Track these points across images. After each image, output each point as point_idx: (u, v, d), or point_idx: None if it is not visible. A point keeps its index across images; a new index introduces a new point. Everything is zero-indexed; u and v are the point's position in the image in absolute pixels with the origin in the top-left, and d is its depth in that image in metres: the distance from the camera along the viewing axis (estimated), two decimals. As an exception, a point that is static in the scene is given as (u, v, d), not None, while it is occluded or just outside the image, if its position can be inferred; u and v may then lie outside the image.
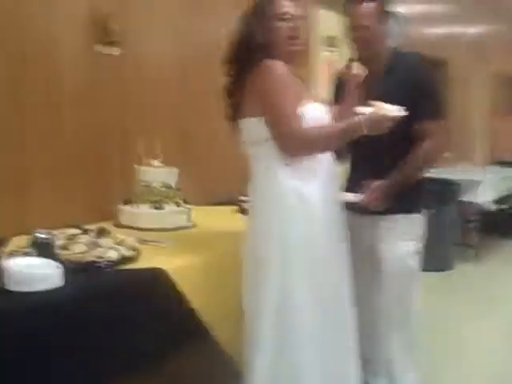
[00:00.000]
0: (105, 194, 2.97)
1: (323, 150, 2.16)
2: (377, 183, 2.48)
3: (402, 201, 2.52)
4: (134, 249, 2.20)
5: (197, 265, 2.24)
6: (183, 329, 2.15)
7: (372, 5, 2.47)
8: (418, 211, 2.66)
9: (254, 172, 2.18)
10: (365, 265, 2.69)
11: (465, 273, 5.59)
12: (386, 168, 2.51)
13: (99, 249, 2.09)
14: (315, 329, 2.06)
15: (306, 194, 2.09)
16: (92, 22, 2.91)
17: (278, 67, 2.06)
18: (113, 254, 2.08)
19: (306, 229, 2.08)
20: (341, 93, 2.50)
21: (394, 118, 2.07)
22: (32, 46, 2.66)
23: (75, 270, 1.94)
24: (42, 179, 2.72)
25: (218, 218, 3.09)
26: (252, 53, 2.08)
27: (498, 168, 7.39)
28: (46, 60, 2.73)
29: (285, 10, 2.14)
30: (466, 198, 5.79)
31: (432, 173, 6.13)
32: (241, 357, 2.18)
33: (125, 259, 2.11)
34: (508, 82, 9.50)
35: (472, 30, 8.20)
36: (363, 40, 2.51)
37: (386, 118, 2.07)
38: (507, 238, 6.90)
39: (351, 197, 2.45)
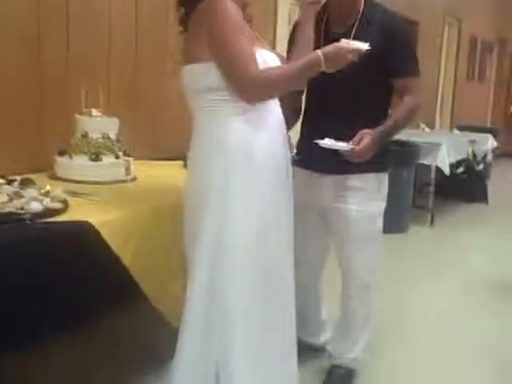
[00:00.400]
0: (42, 145, 2.81)
1: (284, 90, 2.03)
2: (366, 131, 2.27)
3: (374, 159, 2.36)
4: (60, 201, 2.07)
5: (128, 218, 2.11)
6: (113, 287, 2.05)
7: None
8: (387, 170, 2.57)
9: (198, 123, 2.01)
10: (318, 227, 2.64)
11: (418, 235, 5.60)
12: (349, 123, 2.34)
13: (21, 200, 1.95)
14: (248, 287, 1.96)
15: (256, 148, 1.95)
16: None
17: (228, 3, 1.86)
18: (36, 206, 1.94)
19: (249, 183, 1.95)
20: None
21: (355, 51, 1.92)
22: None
23: (-7, 222, 1.81)
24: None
25: (161, 172, 2.96)
26: None
27: (457, 132, 7.42)
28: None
29: None
30: (424, 160, 5.76)
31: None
32: (173, 315, 2.09)
33: (49, 211, 1.97)
34: (477, 46, 9.51)
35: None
36: None
37: (346, 50, 1.91)
38: (463, 201, 6.95)
39: (341, 145, 2.23)
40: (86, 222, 1.94)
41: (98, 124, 2.68)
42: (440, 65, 8.22)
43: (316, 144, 2.25)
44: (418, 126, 7.23)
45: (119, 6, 3.17)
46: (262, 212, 1.97)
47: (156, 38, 3.42)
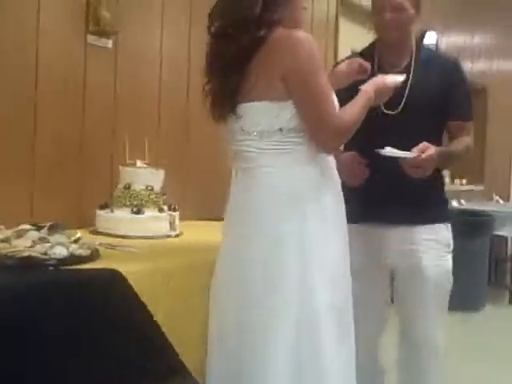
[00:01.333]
0: (85, 199, 2.67)
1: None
2: (426, 143, 2.10)
3: (439, 208, 2.32)
4: (90, 249, 1.88)
5: (161, 270, 1.89)
6: (142, 343, 1.80)
7: None
8: (450, 220, 2.36)
9: (258, 170, 1.77)
10: (380, 286, 2.40)
11: (496, 315, 5.11)
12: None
13: (46, 244, 1.77)
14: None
15: (327, 200, 1.81)
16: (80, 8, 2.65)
17: (312, 41, 1.71)
18: (60, 251, 1.75)
19: (323, 235, 1.78)
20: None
21: (393, 83, 2.00)
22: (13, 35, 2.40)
23: (11, 267, 1.63)
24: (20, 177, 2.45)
25: (209, 230, 2.75)
26: (263, 17, 1.68)
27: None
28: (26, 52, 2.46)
29: None
30: (500, 231, 5.38)
31: (463, 204, 5.86)
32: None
33: (75, 258, 1.78)
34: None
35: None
36: (397, 21, 2.23)
37: (388, 83, 1.97)
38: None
39: (405, 153, 2.06)
40: (113, 270, 1.74)
41: (142, 175, 2.53)
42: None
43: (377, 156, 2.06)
44: (491, 198, 6.85)
45: (171, 59, 3.09)
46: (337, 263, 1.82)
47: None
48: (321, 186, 1.78)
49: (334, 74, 2.12)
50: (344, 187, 2.39)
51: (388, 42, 2.30)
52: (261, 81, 1.71)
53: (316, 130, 1.72)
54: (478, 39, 6.69)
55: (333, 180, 1.84)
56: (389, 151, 2.05)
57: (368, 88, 1.88)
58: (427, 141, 2.14)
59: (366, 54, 2.36)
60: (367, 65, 2.14)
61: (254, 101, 1.72)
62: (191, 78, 3.14)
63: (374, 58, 2.33)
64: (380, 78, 1.98)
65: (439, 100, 2.26)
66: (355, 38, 4.18)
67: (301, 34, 1.70)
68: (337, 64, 2.43)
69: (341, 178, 1.91)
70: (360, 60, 2.16)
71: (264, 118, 1.72)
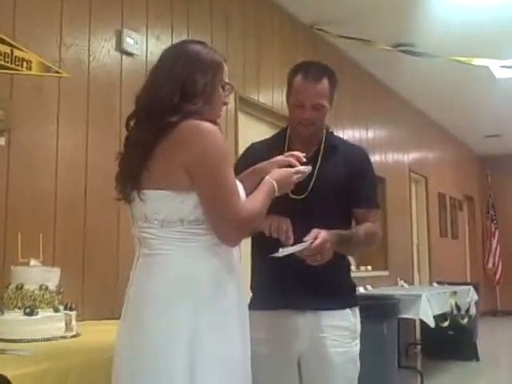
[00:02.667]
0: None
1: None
2: (317, 230, 2.08)
3: (345, 294, 2.30)
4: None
5: (52, 373, 1.78)
6: None
7: (326, 82, 2.30)
8: (357, 305, 2.35)
9: (157, 256, 1.72)
10: (290, 377, 2.29)
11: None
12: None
13: None
14: None
15: (227, 291, 1.75)
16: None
17: (219, 134, 1.71)
18: None
19: (219, 327, 1.70)
20: (249, 163, 2.19)
21: (299, 172, 1.98)
22: None
23: None
24: None
25: (109, 328, 2.63)
26: (181, 107, 1.70)
27: (436, 286, 7.24)
28: None
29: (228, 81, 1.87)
30: (406, 314, 5.49)
31: (369, 290, 5.97)
32: None
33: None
34: (446, 204, 9.65)
35: (412, 154, 8.37)
36: (315, 118, 2.29)
37: (292, 173, 1.95)
38: (452, 359, 6.53)
39: (298, 246, 2.03)
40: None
41: (35, 274, 2.41)
42: (412, 222, 8.23)
43: (274, 258, 2.01)
44: (396, 283, 7.04)
45: (68, 156, 3.05)
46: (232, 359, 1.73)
47: (107, 183, 3.25)
48: (220, 276, 1.74)
49: (255, 171, 2.07)
50: (253, 275, 2.42)
51: (301, 135, 2.34)
52: (165, 169, 1.69)
53: (220, 223, 1.70)
54: (371, 133, 7.10)
55: (234, 270, 1.80)
56: (282, 251, 2.03)
57: (272, 178, 1.88)
58: (334, 226, 2.16)
59: (278, 140, 2.41)
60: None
61: (157, 189, 1.70)
62: (89, 174, 3.11)
63: (284, 145, 2.36)
64: (284, 170, 1.97)
65: (345, 187, 2.29)
66: (254, 131, 4.33)
67: (209, 126, 1.69)
68: (243, 155, 2.46)
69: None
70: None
71: (166, 207, 1.70)
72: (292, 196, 2.20)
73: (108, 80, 3.32)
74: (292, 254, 2.04)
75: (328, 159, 2.31)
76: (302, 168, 2.00)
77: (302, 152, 2.26)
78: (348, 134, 6.44)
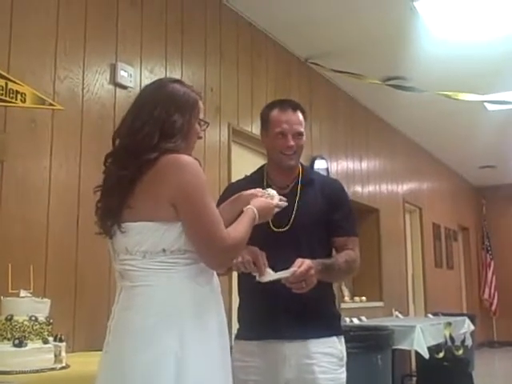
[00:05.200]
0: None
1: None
2: (301, 259, 2.15)
3: (331, 321, 2.39)
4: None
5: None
6: None
7: (300, 113, 2.44)
8: (342, 334, 2.42)
9: (138, 289, 1.74)
10: None
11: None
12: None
13: None
14: None
15: (209, 317, 1.78)
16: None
17: (197, 167, 1.76)
18: None
19: (204, 353, 1.73)
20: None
21: (278, 205, 2.09)
22: None
23: None
24: None
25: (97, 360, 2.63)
26: (159, 146, 1.75)
27: (431, 317, 7.21)
28: None
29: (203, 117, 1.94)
30: (400, 345, 5.47)
31: (363, 321, 5.95)
32: None
33: None
34: (441, 234, 9.67)
35: (407, 185, 8.41)
36: (297, 147, 2.40)
37: (272, 205, 2.05)
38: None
39: (283, 272, 2.10)
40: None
41: (25, 305, 2.41)
42: (406, 252, 8.23)
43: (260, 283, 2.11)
44: (391, 314, 7.02)
45: (60, 187, 3.08)
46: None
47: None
48: (203, 305, 1.77)
49: (239, 199, 2.11)
50: (240, 307, 2.45)
51: (288, 166, 2.42)
52: (148, 203, 1.73)
53: (207, 250, 1.74)
54: (365, 165, 7.15)
55: (215, 298, 1.83)
56: (267, 277, 2.10)
57: (253, 206, 1.95)
58: (316, 255, 2.23)
59: (256, 177, 2.50)
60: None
61: (138, 220, 1.74)
62: (81, 205, 3.12)
63: (263, 180, 2.45)
64: (266, 200, 2.05)
65: (324, 218, 2.38)
66: (247, 162, 4.37)
67: (187, 159, 1.75)
68: (222, 195, 2.49)
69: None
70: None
71: (149, 238, 1.73)
72: (275, 229, 2.31)
73: (102, 112, 3.36)
74: (278, 280, 2.10)
75: (306, 192, 2.42)
76: (280, 203, 2.11)
77: (281, 187, 2.40)
78: (342, 165, 6.49)
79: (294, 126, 2.38)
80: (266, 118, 2.44)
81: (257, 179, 2.46)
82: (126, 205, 1.75)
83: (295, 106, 2.44)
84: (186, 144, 1.82)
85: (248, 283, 2.39)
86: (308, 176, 2.48)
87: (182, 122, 1.81)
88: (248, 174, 2.64)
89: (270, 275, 2.10)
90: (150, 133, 1.76)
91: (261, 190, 2.12)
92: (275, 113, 2.41)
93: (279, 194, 2.31)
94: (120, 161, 1.79)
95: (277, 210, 2.09)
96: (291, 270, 2.10)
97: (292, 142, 2.37)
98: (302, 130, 2.42)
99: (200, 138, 1.93)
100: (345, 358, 2.36)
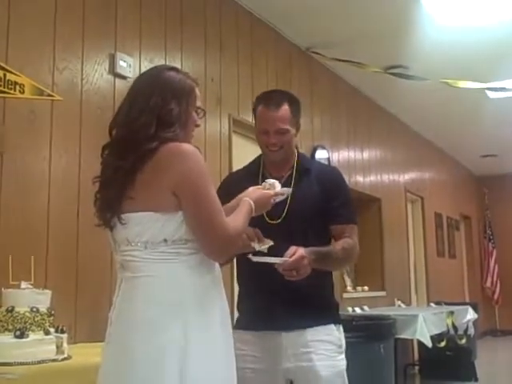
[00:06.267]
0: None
1: None
2: (294, 247, 2.15)
3: (328, 310, 2.37)
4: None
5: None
6: None
7: (287, 108, 2.39)
8: (341, 322, 2.42)
9: (140, 280, 1.73)
10: None
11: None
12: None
13: None
14: None
15: (213, 305, 1.78)
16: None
17: (199, 155, 1.75)
18: None
19: (208, 344, 1.73)
20: (229, 190, 2.22)
21: (277, 194, 2.06)
22: None
23: None
24: None
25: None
26: (158, 135, 1.73)
27: (433, 306, 7.21)
28: None
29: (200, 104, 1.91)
30: (403, 335, 5.47)
31: (366, 310, 5.95)
32: None
33: None
34: (443, 223, 9.66)
35: (408, 175, 8.39)
36: (280, 143, 2.38)
37: (270, 195, 2.02)
38: (450, 380, 6.49)
39: (275, 259, 2.11)
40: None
41: (26, 296, 2.41)
42: (408, 242, 8.22)
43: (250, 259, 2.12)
44: (393, 303, 7.02)
45: (60, 179, 3.06)
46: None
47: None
48: (205, 295, 1.76)
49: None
50: (239, 296, 2.45)
51: (273, 160, 2.44)
52: (148, 192, 1.72)
53: (210, 240, 1.73)
54: (367, 155, 7.13)
55: (217, 288, 1.83)
56: (259, 258, 2.11)
57: (250, 198, 1.94)
58: (312, 245, 2.22)
59: (252, 167, 2.50)
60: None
61: (139, 211, 1.72)
62: (81, 196, 3.11)
63: (259, 171, 2.45)
64: (263, 191, 2.03)
65: (319, 207, 2.36)
66: (248, 152, 4.34)
67: (189, 148, 1.74)
68: (222, 184, 2.51)
69: None
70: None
71: (149, 228, 1.72)
72: (269, 221, 2.30)
73: (101, 103, 3.35)
74: (270, 264, 2.12)
75: (301, 182, 2.40)
76: (280, 190, 2.08)
77: (276, 177, 2.38)
78: (344, 155, 6.47)
79: (275, 124, 2.36)
80: (254, 112, 2.45)
81: (253, 170, 2.46)
82: (126, 196, 1.73)
83: (280, 101, 2.38)
84: (184, 133, 1.81)
85: (246, 272, 2.42)
86: (303, 165, 2.46)
87: (179, 110, 1.79)
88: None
89: (263, 257, 2.11)
90: (147, 121, 1.74)
91: (260, 186, 2.10)
92: (260, 109, 2.41)
93: None
94: (118, 151, 1.77)
95: (280, 198, 2.08)
96: (284, 259, 2.11)
97: (273, 140, 2.36)
98: (285, 126, 2.36)
99: (197, 126, 1.91)
100: (343, 346, 2.36)
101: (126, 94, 1.86)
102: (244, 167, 2.62)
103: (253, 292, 2.36)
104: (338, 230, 2.40)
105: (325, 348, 2.27)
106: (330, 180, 2.44)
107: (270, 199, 2.02)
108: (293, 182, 2.37)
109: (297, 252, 2.12)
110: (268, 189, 2.07)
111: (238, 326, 2.38)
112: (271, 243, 2.10)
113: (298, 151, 2.50)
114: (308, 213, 2.34)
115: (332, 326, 2.33)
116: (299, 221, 2.32)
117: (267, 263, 2.11)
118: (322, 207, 2.36)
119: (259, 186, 2.08)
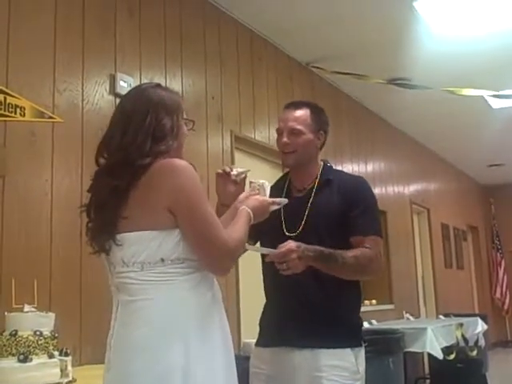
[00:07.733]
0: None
1: None
2: (289, 240, 2.09)
3: (347, 331, 2.20)
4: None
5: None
6: None
7: (306, 111, 2.36)
8: (362, 345, 2.25)
9: (137, 304, 1.68)
10: None
11: None
12: (314, 287, 2.19)
13: None
14: None
15: (213, 327, 1.74)
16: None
17: (192, 171, 1.71)
18: None
19: (209, 365, 1.69)
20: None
21: (275, 202, 2.00)
22: None
23: None
24: None
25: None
26: (151, 150, 1.71)
27: (442, 318, 7.15)
28: None
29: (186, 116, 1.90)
30: (412, 348, 5.42)
31: (374, 325, 5.90)
32: None
33: None
34: (450, 234, 9.61)
35: (413, 186, 8.36)
36: (293, 145, 2.31)
37: (268, 202, 1.97)
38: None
39: (266, 249, 2.09)
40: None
41: (29, 320, 2.40)
42: (415, 254, 8.17)
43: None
44: (402, 316, 6.96)
45: (62, 200, 3.06)
46: None
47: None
48: (206, 316, 1.73)
49: (236, 208, 2.01)
50: (262, 312, 2.40)
51: (286, 165, 2.39)
52: (142, 210, 1.68)
53: (211, 255, 1.69)
54: (371, 167, 7.11)
55: (219, 304, 1.80)
56: (253, 247, 2.11)
57: (248, 206, 1.89)
58: None
59: (280, 182, 2.46)
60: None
61: (134, 230, 1.68)
62: (83, 218, 3.08)
63: (285, 185, 2.42)
64: (261, 199, 1.95)
65: (338, 218, 2.25)
66: (251, 168, 4.33)
67: (181, 163, 1.71)
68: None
69: None
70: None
71: (146, 248, 1.67)
72: (286, 233, 2.24)
73: (102, 124, 3.27)
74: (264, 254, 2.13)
75: (321, 194, 2.32)
76: (277, 200, 2.04)
77: (299, 189, 2.36)
78: (348, 168, 6.45)
79: (288, 123, 2.32)
80: None
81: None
82: (121, 216, 1.69)
83: (300, 105, 2.37)
84: (176, 144, 1.80)
85: (268, 285, 2.38)
86: (325, 176, 2.36)
87: (171, 124, 1.79)
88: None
89: (256, 247, 2.14)
90: (142, 142, 1.72)
91: (255, 185, 2.02)
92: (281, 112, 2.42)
93: (295, 197, 2.33)
94: (113, 173, 1.72)
95: (275, 207, 2.01)
96: (275, 250, 2.06)
97: (286, 139, 2.31)
98: (299, 126, 2.31)
99: (186, 136, 1.88)
100: (361, 371, 2.20)
101: (114, 116, 1.83)
102: (275, 182, 2.54)
103: (271, 307, 2.33)
104: (357, 241, 2.24)
105: (337, 374, 2.14)
106: (351, 189, 2.32)
107: (268, 207, 1.96)
108: (312, 194, 2.31)
109: (288, 245, 2.06)
110: (258, 189, 2.00)
111: (257, 342, 2.35)
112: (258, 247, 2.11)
113: (324, 164, 2.43)
114: (325, 224, 2.25)
115: (348, 351, 2.17)
116: (316, 232, 2.24)
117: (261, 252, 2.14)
118: (342, 218, 2.25)
119: (249, 190, 2.02)
